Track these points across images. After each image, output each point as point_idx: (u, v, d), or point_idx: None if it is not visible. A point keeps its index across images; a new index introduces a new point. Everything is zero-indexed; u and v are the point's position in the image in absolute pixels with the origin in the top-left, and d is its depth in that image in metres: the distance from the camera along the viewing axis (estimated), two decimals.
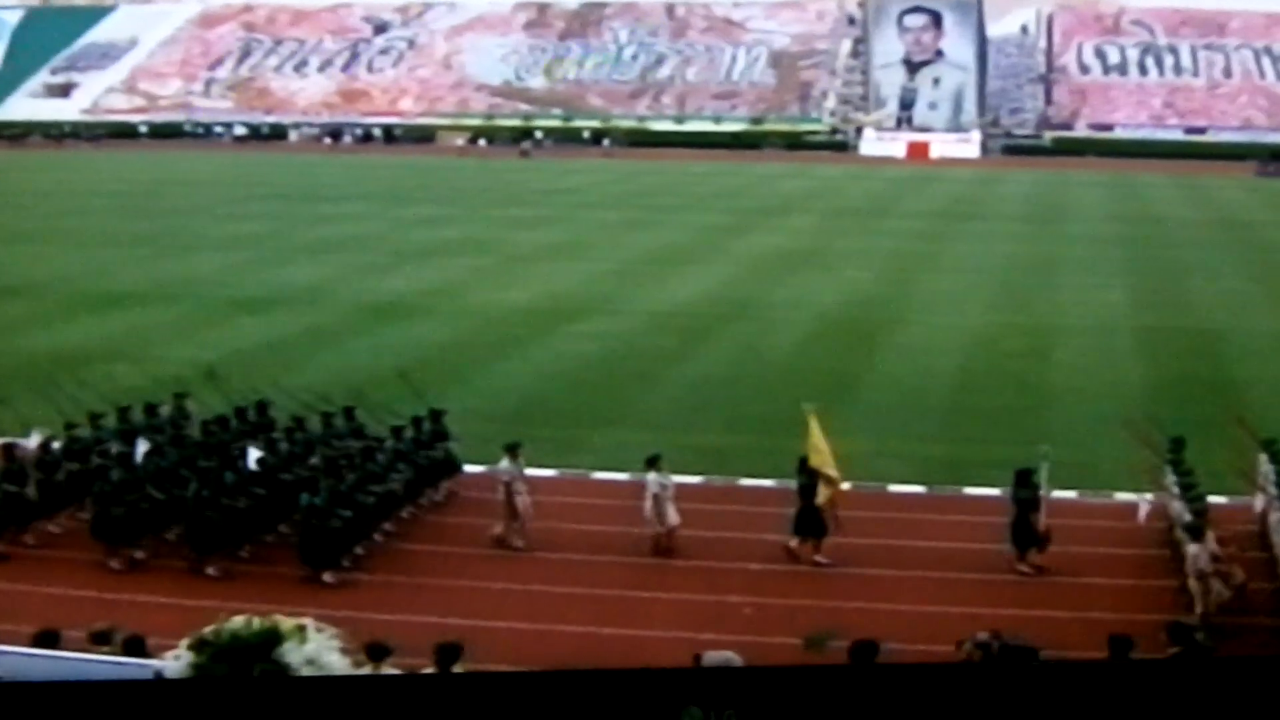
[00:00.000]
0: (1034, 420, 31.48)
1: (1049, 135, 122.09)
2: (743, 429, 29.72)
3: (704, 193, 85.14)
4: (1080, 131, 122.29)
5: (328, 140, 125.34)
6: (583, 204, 77.08)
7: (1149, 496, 22.77)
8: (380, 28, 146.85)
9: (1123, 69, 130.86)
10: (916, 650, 17.28)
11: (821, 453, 22.51)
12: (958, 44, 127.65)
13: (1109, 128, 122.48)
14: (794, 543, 22.59)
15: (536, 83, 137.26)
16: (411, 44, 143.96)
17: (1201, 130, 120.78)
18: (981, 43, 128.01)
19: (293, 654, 12.12)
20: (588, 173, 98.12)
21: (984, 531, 23.47)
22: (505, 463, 23.38)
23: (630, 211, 73.16)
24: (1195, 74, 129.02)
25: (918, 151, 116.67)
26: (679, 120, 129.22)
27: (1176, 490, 22.30)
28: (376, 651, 14.60)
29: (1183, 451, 23.37)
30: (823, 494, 22.34)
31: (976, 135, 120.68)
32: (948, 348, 39.25)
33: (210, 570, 21.47)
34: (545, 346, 39.20)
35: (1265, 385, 34.30)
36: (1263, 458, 23.38)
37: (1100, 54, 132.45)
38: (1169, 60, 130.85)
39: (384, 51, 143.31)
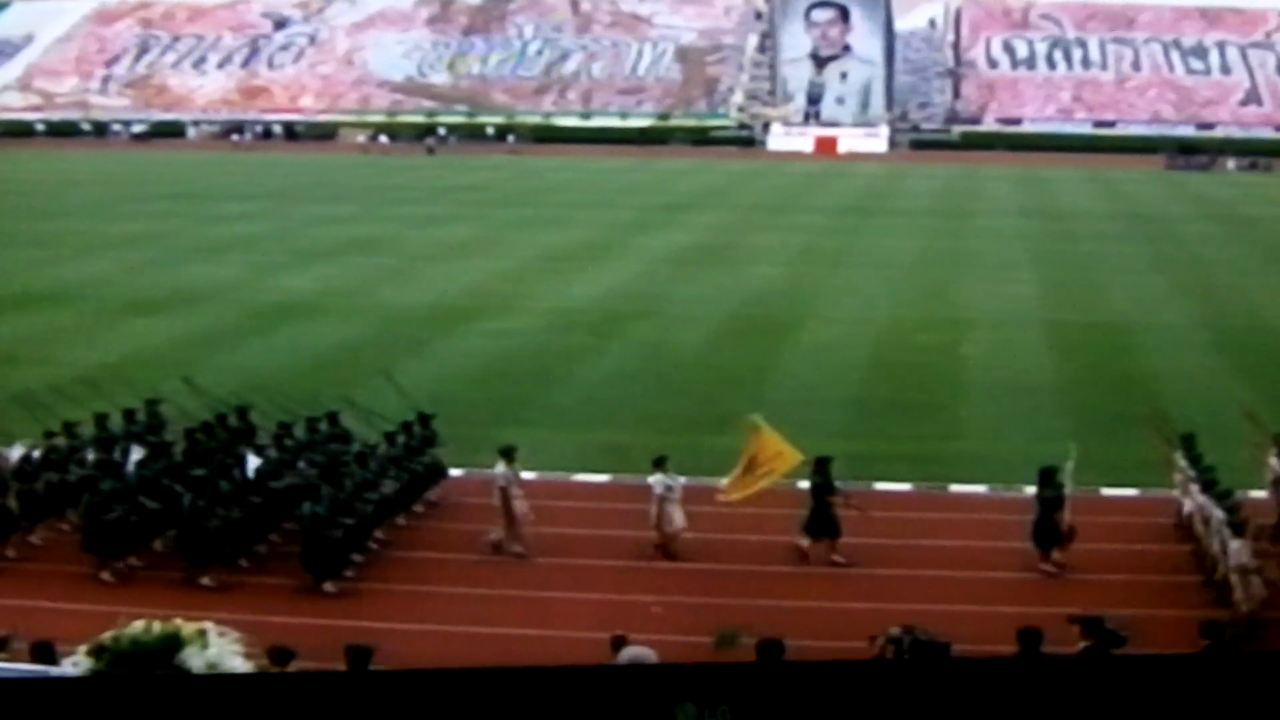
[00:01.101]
0: (944, 415, 31.54)
1: (957, 129, 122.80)
2: (652, 427, 29.30)
3: (610, 189, 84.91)
4: (988, 125, 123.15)
5: (235, 137, 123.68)
6: (488, 201, 76.45)
7: (1201, 495, 22.39)
8: (280, 24, 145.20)
9: (1031, 63, 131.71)
10: (826, 647, 17.08)
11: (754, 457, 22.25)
12: (865, 38, 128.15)
13: (1017, 122, 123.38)
14: (805, 543, 22.15)
15: (440, 79, 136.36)
16: (312, 40, 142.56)
17: (1110, 124, 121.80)
18: (889, 37, 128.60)
19: (194, 659, 11.99)
20: (492, 169, 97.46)
21: (894, 527, 23.29)
22: (501, 466, 22.81)
23: (536, 208, 72.73)
24: (1104, 68, 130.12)
25: (825, 146, 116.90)
26: (585, 116, 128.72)
27: (1196, 485, 22.04)
28: (280, 655, 14.09)
29: (1196, 447, 23.12)
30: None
31: (884, 130, 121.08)
32: (857, 343, 39.18)
33: (205, 580, 20.79)
34: (451, 345, 38.73)
35: (1174, 378, 34.49)
36: (1273, 451, 23.21)
37: (1008, 48, 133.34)
38: (1077, 54, 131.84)
39: (284, 48, 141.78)
